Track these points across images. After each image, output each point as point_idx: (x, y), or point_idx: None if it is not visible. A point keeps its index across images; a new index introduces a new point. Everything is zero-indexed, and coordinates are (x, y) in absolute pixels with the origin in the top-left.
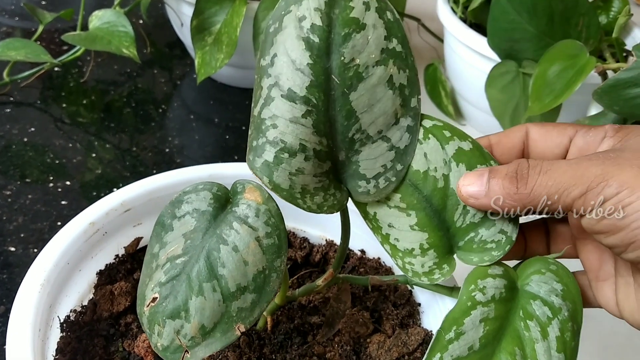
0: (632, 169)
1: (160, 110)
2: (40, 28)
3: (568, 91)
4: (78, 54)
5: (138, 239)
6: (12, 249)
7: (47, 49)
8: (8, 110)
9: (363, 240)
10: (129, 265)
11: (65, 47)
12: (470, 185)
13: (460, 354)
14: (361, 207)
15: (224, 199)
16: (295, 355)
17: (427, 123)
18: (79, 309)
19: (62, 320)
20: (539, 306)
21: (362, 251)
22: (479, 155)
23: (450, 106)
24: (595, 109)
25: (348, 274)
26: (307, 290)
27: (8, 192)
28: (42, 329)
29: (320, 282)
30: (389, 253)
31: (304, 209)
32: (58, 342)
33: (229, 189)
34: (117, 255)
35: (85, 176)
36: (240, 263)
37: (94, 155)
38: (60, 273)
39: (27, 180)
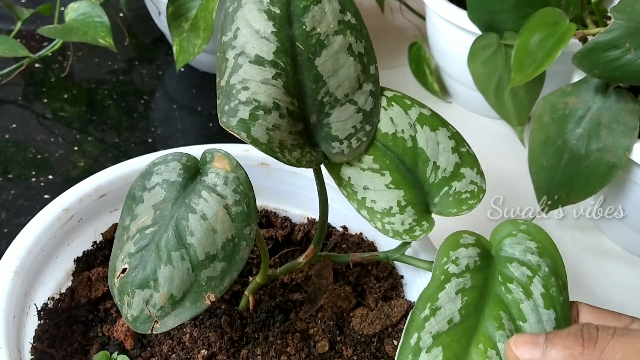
0: None
1: (143, 102)
2: (19, 24)
3: (549, 59)
4: (56, 47)
5: (115, 225)
6: None
7: (27, 46)
8: None
9: (344, 216)
10: (107, 251)
11: (45, 44)
12: (524, 347)
13: (440, 329)
14: (335, 172)
15: (193, 169)
16: (277, 332)
17: (388, 93)
18: (57, 296)
19: (39, 308)
20: (517, 267)
21: (344, 227)
22: (438, 119)
23: (436, 84)
24: (578, 77)
25: (330, 250)
26: (289, 268)
27: None
28: (17, 315)
29: (301, 259)
30: (366, 218)
31: (284, 162)
32: (36, 330)
33: (199, 159)
34: (94, 242)
35: (68, 170)
36: (209, 231)
37: (76, 148)
38: (34, 260)
39: (9, 176)
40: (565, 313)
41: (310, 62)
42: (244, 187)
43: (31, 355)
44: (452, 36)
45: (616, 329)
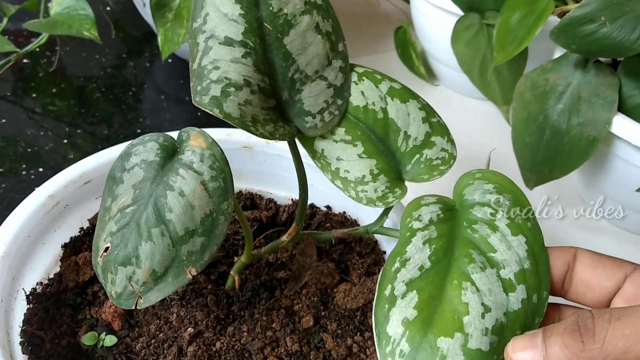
0: None
1: (131, 94)
2: (5, 21)
3: (529, 36)
4: (42, 41)
5: None
6: None
7: (15, 43)
8: None
9: (328, 196)
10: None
11: (33, 39)
12: (523, 350)
13: (413, 277)
14: (309, 145)
15: (171, 149)
16: (263, 309)
17: (359, 69)
18: (45, 281)
19: (27, 293)
20: (478, 209)
21: (328, 207)
22: (409, 92)
23: (422, 67)
24: (558, 54)
25: (315, 229)
26: (273, 247)
27: None
28: (6, 299)
29: (284, 238)
30: (340, 188)
31: (257, 135)
32: (25, 314)
33: (176, 139)
34: (81, 228)
35: (59, 162)
36: (187, 207)
37: (65, 141)
38: (21, 246)
39: (0, 170)
40: (536, 236)
41: (279, 41)
42: (220, 164)
43: (20, 337)
44: (435, 18)
45: (612, 312)
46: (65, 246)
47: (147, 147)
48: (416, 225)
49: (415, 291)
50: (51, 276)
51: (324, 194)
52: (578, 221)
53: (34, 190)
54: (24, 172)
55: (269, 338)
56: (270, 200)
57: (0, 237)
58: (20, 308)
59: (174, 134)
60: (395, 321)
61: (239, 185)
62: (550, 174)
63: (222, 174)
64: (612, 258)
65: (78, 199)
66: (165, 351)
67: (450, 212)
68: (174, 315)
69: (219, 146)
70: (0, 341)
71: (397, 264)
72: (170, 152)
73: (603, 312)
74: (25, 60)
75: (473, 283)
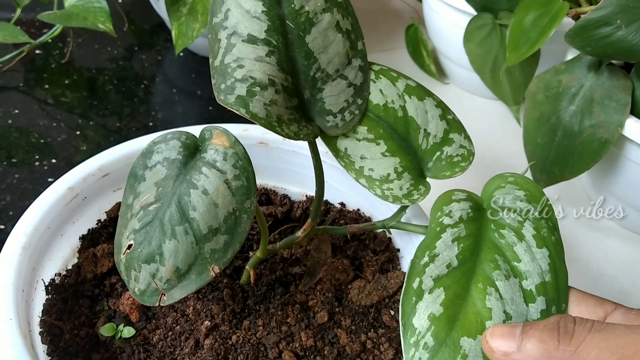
0: None
1: (143, 86)
2: (18, 11)
3: (543, 38)
4: (56, 33)
5: (119, 203)
6: (2, 226)
7: (27, 34)
8: None
9: (342, 193)
10: (112, 229)
11: (45, 30)
12: (501, 338)
13: (440, 273)
14: (332, 144)
15: (193, 147)
16: (278, 304)
17: (375, 67)
18: (63, 272)
19: (46, 283)
20: (507, 214)
21: (342, 204)
22: (424, 90)
23: (433, 65)
24: (571, 55)
25: (329, 226)
26: (288, 242)
27: None
28: (26, 290)
29: (300, 233)
30: (365, 186)
31: (282, 135)
32: (44, 304)
33: (198, 137)
34: (99, 220)
35: (71, 154)
36: (211, 206)
37: (78, 133)
38: (41, 237)
39: (13, 160)
40: (558, 251)
41: (301, 40)
42: (243, 162)
43: (40, 327)
44: (448, 17)
45: (594, 324)
46: (83, 238)
47: (169, 145)
48: (446, 221)
49: (442, 288)
50: (69, 267)
51: (338, 190)
52: (587, 222)
53: (46, 181)
54: (37, 163)
55: (284, 333)
56: (285, 196)
57: (21, 228)
58: (40, 298)
59: (195, 131)
60: (421, 315)
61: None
62: (561, 174)
63: (245, 173)
64: (595, 297)
65: (96, 192)
66: (182, 343)
67: (479, 212)
68: (191, 308)
69: (241, 145)
70: (22, 330)
71: (426, 258)
72: (193, 150)
73: (586, 321)
74: (37, 52)
75: (497, 290)
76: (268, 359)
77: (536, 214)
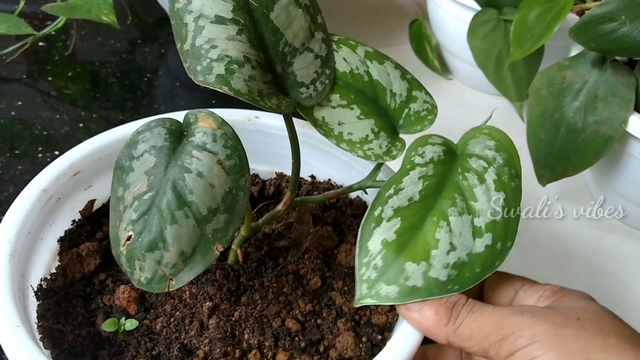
0: (546, 323)
1: (146, 79)
2: (22, 3)
3: (547, 34)
4: (59, 25)
5: (91, 202)
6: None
7: (31, 26)
8: None
9: (311, 166)
10: (89, 227)
11: (48, 23)
12: (415, 309)
13: (401, 205)
14: (309, 115)
15: (178, 133)
16: (271, 277)
17: (334, 37)
18: (48, 276)
19: (35, 289)
20: (475, 160)
21: (312, 176)
22: (381, 54)
23: (436, 61)
24: (575, 51)
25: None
26: (270, 217)
27: None
28: (21, 297)
29: (280, 207)
30: (347, 150)
31: (266, 108)
32: (37, 310)
33: (182, 122)
34: (74, 220)
35: (74, 146)
36: (207, 187)
37: (81, 125)
38: (24, 243)
39: (16, 152)
40: (515, 195)
41: (266, 17)
42: (233, 141)
43: (39, 333)
44: (452, 12)
45: (474, 306)
46: (61, 240)
47: (154, 133)
48: (418, 160)
49: (399, 218)
50: (52, 271)
51: (308, 164)
52: (590, 218)
53: None
54: (40, 155)
55: (283, 302)
56: (256, 176)
57: (4, 234)
58: (32, 306)
59: (179, 117)
60: (376, 239)
61: None
62: (564, 171)
63: (237, 152)
64: (510, 277)
65: (68, 191)
66: (186, 327)
67: (450, 156)
68: (187, 293)
69: (229, 125)
70: (31, 336)
71: (391, 191)
72: (179, 136)
73: (470, 303)
74: (40, 44)
75: (449, 224)
76: (272, 329)
77: (500, 161)
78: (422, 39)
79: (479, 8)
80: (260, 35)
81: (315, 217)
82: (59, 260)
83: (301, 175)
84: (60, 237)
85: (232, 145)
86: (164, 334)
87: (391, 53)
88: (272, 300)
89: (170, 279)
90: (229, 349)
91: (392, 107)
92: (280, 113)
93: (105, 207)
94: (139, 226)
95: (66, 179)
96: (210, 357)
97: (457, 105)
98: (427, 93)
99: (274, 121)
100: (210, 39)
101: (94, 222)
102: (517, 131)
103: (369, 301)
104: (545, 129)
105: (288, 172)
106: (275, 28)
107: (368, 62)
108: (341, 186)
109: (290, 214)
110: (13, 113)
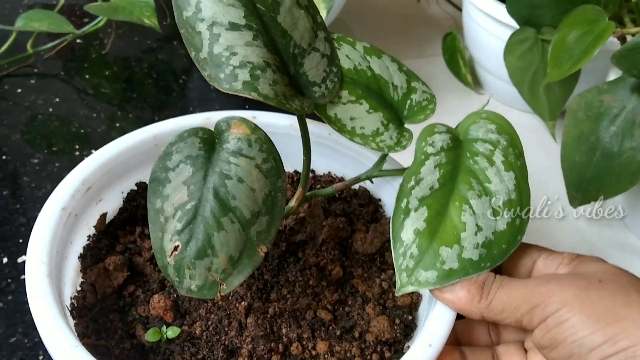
0: (572, 288)
1: (181, 82)
2: (62, 0)
3: (587, 56)
4: (100, 24)
5: (103, 215)
6: None
7: (68, 21)
8: (32, 81)
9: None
10: (106, 241)
11: (85, 20)
12: (447, 290)
13: (424, 194)
14: (323, 113)
15: (211, 141)
16: (295, 271)
17: (333, 36)
18: (76, 294)
19: (69, 308)
20: (481, 144)
21: (312, 171)
22: (377, 50)
23: (469, 75)
24: (614, 75)
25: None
26: (285, 212)
27: (35, 161)
28: (60, 310)
29: (293, 202)
30: (360, 143)
31: (292, 110)
32: (75, 329)
33: (213, 130)
34: (89, 236)
35: None
36: (249, 191)
37: (117, 125)
38: (55, 263)
39: (54, 149)
40: (522, 173)
41: (274, 20)
42: (268, 145)
43: (86, 349)
44: (489, 28)
45: (503, 280)
46: (81, 257)
47: (188, 143)
48: (429, 150)
49: (425, 207)
50: (79, 288)
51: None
52: (618, 243)
53: None
54: (77, 153)
55: (311, 295)
56: None
57: (37, 256)
58: (70, 324)
59: (198, 119)
60: (408, 229)
61: None
62: (597, 194)
63: (272, 155)
64: (526, 248)
65: (83, 207)
66: (226, 328)
67: (457, 142)
68: (217, 296)
69: (261, 130)
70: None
71: (412, 182)
72: (211, 144)
73: (499, 279)
74: (77, 41)
75: (471, 207)
76: (307, 321)
77: (504, 142)
78: (455, 53)
79: (516, 26)
80: (272, 39)
81: (324, 209)
82: (83, 277)
83: (299, 171)
84: (80, 254)
85: (268, 149)
86: (205, 337)
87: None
88: (301, 293)
89: (221, 283)
90: (272, 344)
91: (396, 99)
92: (302, 113)
93: (117, 219)
94: (185, 235)
95: (80, 195)
96: (255, 355)
97: None
98: (423, 83)
99: (272, 120)
100: (229, 46)
101: (110, 235)
102: (547, 150)
103: (410, 288)
104: (581, 151)
105: (289, 168)
106: (284, 30)
107: (368, 57)
108: (342, 178)
109: (301, 208)
110: (51, 109)
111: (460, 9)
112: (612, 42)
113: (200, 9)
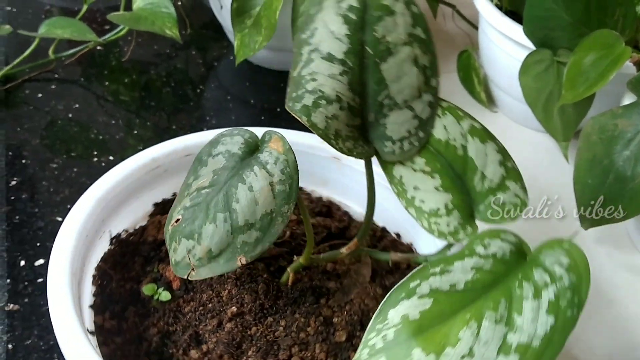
0: None
1: (198, 91)
2: (85, 7)
3: (602, 80)
4: (121, 33)
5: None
6: (59, 219)
7: (90, 29)
8: (53, 86)
9: (386, 217)
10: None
11: (106, 27)
12: None
13: (440, 287)
14: (388, 170)
15: (253, 145)
16: (304, 312)
17: (443, 104)
18: (130, 230)
19: (112, 236)
20: (539, 272)
21: (397, 235)
22: (488, 133)
23: (483, 93)
24: (628, 99)
25: (368, 247)
26: (331, 256)
27: (54, 165)
28: (90, 235)
29: (344, 250)
30: (413, 216)
31: (336, 148)
32: (105, 253)
33: (260, 138)
34: (174, 193)
35: (127, 152)
36: (252, 202)
37: (135, 132)
38: (118, 194)
39: (72, 154)
40: (566, 327)
41: (376, 66)
42: (290, 170)
43: (95, 271)
44: (505, 48)
45: None
46: (156, 205)
47: (233, 140)
48: (479, 250)
49: (432, 300)
50: (136, 227)
51: (386, 210)
52: (626, 264)
53: None
54: (95, 159)
55: (301, 339)
56: (346, 213)
57: (103, 182)
58: (102, 246)
59: (260, 132)
60: (399, 310)
61: (323, 191)
62: (609, 218)
63: (290, 180)
64: None
65: (176, 168)
66: (207, 320)
67: (517, 259)
68: (226, 291)
69: (293, 153)
70: (73, 270)
71: (437, 269)
72: (253, 149)
73: None
74: (98, 48)
75: (479, 327)
76: (277, 359)
77: (566, 282)
78: (470, 70)
79: (532, 47)
80: (363, 81)
81: (377, 273)
82: (147, 222)
83: (389, 229)
84: (156, 202)
85: (288, 173)
86: (187, 317)
87: None
88: (293, 332)
89: (193, 269)
90: (226, 356)
91: (478, 190)
92: (350, 156)
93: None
94: (188, 214)
95: (177, 157)
96: (208, 356)
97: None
98: (522, 187)
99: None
100: (314, 72)
101: None
102: (559, 170)
103: None
104: (593, 174)
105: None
106: (382, 79)
107: (469, 137)
108: (410, 244)
109: (356, 261)
110: (70, 115)
111: (476, 27)
112: (628, 67)
113: (313, 34)
